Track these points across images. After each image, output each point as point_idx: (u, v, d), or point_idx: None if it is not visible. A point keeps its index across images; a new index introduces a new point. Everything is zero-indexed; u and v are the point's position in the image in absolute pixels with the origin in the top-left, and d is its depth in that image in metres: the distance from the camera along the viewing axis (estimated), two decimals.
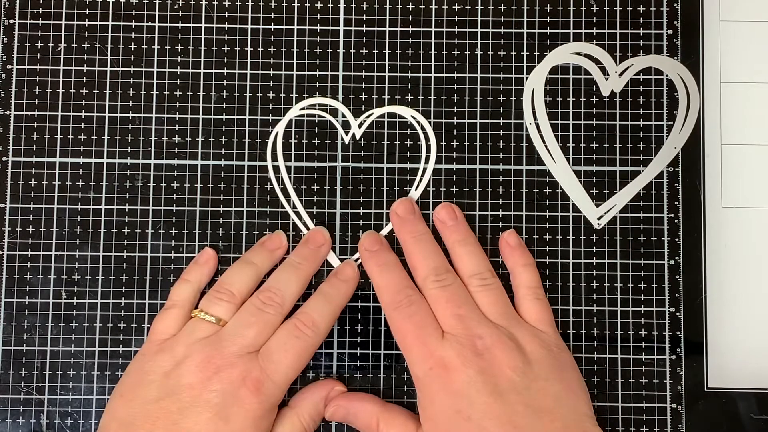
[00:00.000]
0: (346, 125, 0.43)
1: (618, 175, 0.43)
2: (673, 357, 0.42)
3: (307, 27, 0.43)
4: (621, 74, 0.43)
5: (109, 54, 0.43)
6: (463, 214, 0.42)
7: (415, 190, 0.42)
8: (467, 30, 0.43)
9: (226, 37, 0.43)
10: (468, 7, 0.43)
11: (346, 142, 0.43)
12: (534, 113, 0.43)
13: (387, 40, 0.43)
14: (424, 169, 0.43)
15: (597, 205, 0.42)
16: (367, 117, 0.43)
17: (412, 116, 0.43)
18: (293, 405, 0.40)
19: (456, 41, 0.43)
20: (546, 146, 0.43)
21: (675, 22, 0.43)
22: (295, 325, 0.39)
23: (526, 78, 0.43)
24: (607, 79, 0.43)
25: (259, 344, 0.38)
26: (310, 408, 0.40)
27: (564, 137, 0.43)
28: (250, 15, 0.43)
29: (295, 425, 0.39)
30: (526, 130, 0.43)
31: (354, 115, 0.43)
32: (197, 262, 0.42)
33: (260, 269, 0.41)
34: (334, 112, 0.43)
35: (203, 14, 0.43)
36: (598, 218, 0.42)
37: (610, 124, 0.43)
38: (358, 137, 0.43)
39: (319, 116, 0.43)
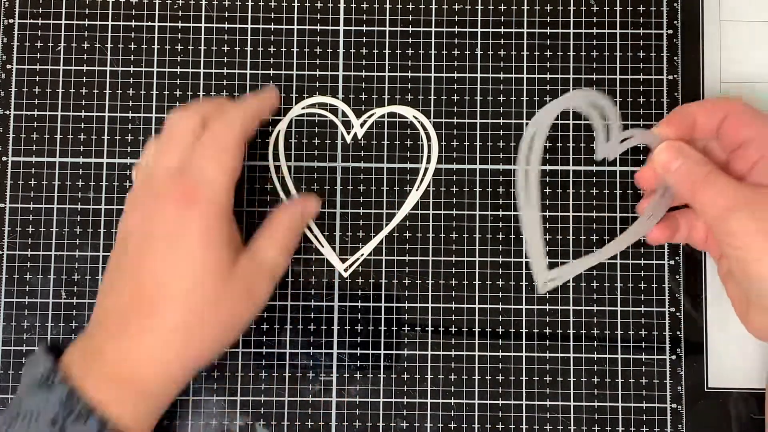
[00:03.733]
0: (347, 125, 0.43)
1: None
2: (673, 357, 0.42)
3: (307, 27, 0.43)
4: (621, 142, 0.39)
5: (109, 54, 0.43)
6: (464, 213, 0.42)
7: (416, 190, 0.42)
8: (467, 30, 0.43)
9: (226, 37, 0.43)
10: (468, 7, 0.43)
11: (348, 141, 0.43)
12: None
13: (387, 40, 0.43)
14: (426, 169, 0.43)
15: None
16: (369, 116, 0.43)
17: (414, 116, 0.43)
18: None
19: (456, 41, 0.43)
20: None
21: (675, 22, 0.43)
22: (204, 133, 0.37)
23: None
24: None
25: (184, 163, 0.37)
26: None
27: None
28: (250, 15, 0.43)
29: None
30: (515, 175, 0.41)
31: (355, 114, 0.43)
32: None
33: None
34: (335, 111, 0.43)
35: (203, 14, 0.43)
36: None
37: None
38: (360, 136, 0.43)
39: (321, 115, 0.43)
